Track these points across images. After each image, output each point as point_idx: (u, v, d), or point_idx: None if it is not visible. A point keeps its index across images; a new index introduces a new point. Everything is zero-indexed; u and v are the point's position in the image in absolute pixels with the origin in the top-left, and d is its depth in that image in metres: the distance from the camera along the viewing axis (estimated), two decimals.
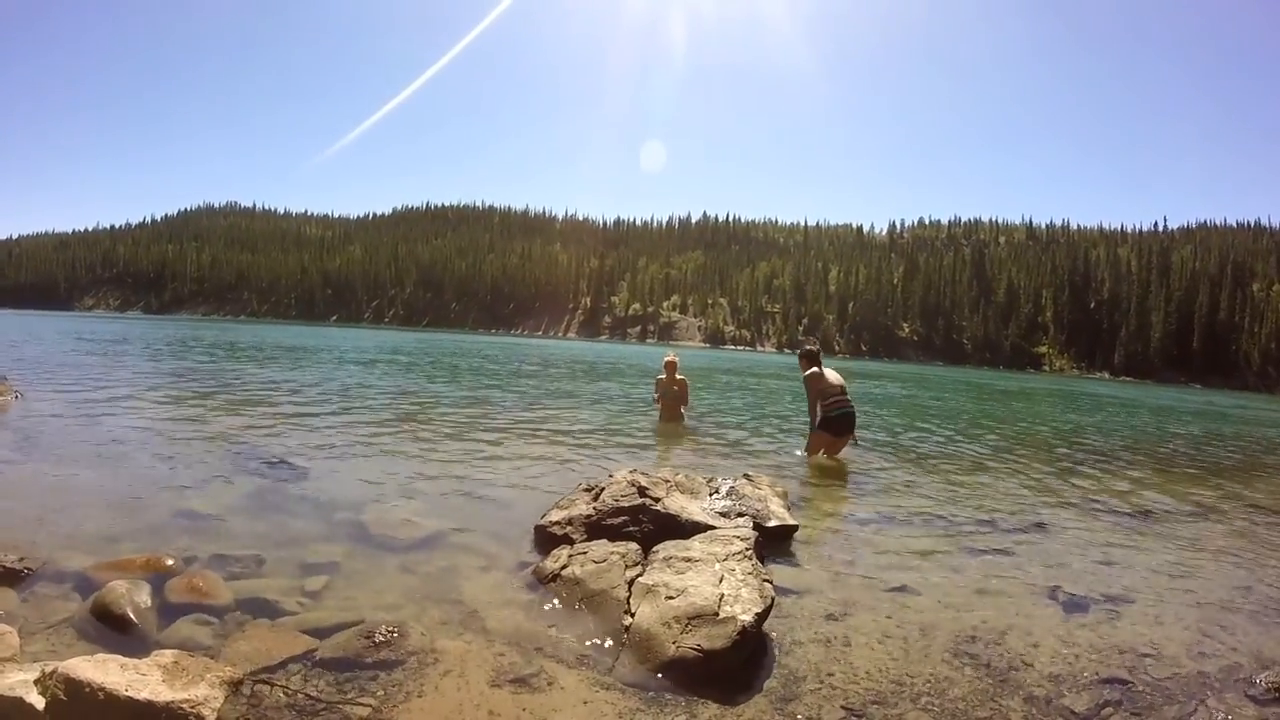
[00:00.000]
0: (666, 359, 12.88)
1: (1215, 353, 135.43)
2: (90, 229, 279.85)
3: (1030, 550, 6.16)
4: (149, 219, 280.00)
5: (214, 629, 3.72)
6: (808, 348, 10.06)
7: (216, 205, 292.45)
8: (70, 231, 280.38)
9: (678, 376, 12.63)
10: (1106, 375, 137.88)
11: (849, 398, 9.80)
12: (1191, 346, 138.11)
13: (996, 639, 4.15)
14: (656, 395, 12.90)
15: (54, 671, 2.79)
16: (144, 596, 3.88)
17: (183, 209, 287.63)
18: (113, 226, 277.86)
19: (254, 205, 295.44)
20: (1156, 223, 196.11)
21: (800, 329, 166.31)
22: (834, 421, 9.63)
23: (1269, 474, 12.74)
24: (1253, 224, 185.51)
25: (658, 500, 5.45)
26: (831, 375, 9.74)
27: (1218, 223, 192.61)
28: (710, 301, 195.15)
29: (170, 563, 4.43)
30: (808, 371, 9.76)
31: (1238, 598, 5.28)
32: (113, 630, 3.63)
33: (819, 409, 9.63)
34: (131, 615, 3.70)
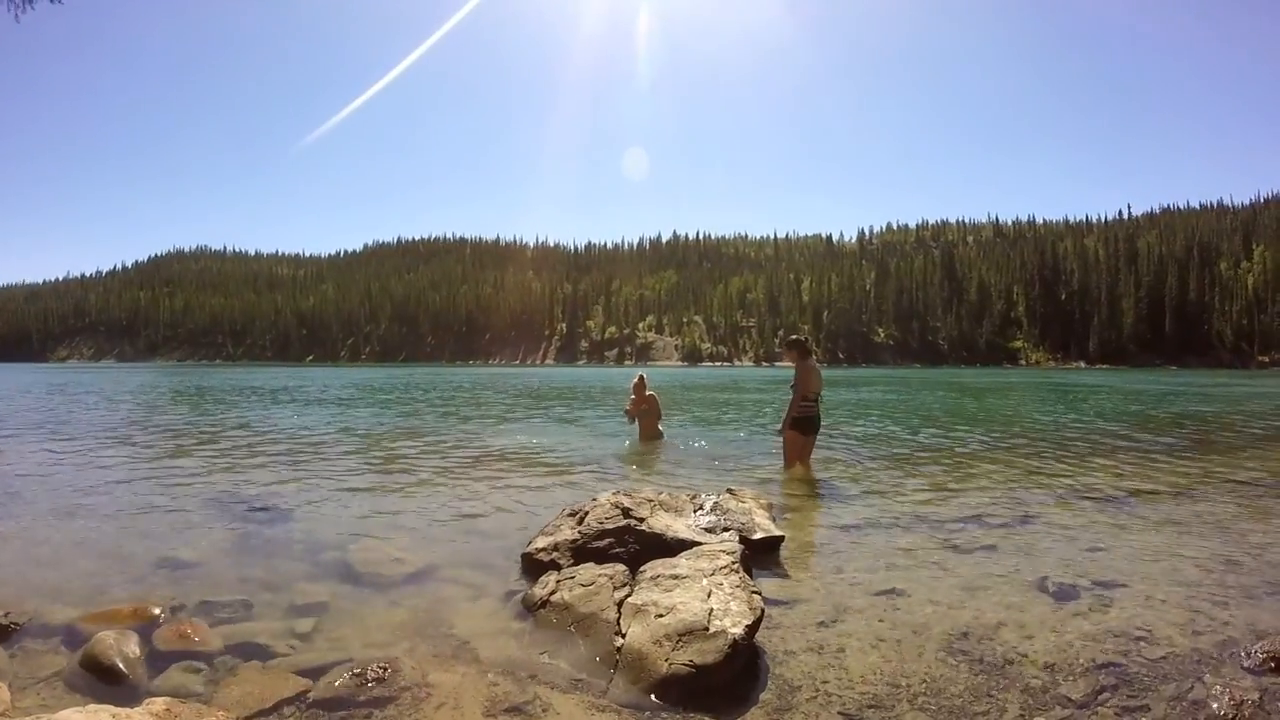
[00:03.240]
0: (634, 380, 12.92)
1: (1188, 333, 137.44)
2: (61, 278, 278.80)
3: (1017, 543, 6.19)
4: (120, 266, 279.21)
5: (205, 675, 3.68)
6: (795, 338, 10.16)
7: (187, 250, 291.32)
8: (41, 282, 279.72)
9: (647, 393, 12.65)
10: (1082, 364, 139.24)
11: (817, 403, 9.95)
12: (1164, 329, 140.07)
13: (989, 634, 4.16)
14: (630, 415, 12.89)
15: None
16: (133, 646, 3.84)
17: (153, 255, 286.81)
18: (83, 275, 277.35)
19: (224, 248, 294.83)
20: (1121, 211, 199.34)
21: (777, 341, 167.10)
22: (801, 422, 9.81)
23: (1247, 448, 12.89)
24: (1216, 204, 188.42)
25: (642, 520, 5.45)
26: (816, 376, 9.84)
27: (1181, 206, 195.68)
28: (685, 320, 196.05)
29: (157, 611, 4.39)
30: (800, 363, 9.83)
31: (1227, 572, 5.33)
32: (103, 681, 3.59)
33: (794, 408, 9.77)
34: (121, 665, 3.66)
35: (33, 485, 8.85)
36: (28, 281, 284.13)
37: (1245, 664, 3.75)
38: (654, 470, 10.43)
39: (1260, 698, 3.38)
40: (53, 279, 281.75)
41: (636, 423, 12.88)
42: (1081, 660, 3.81)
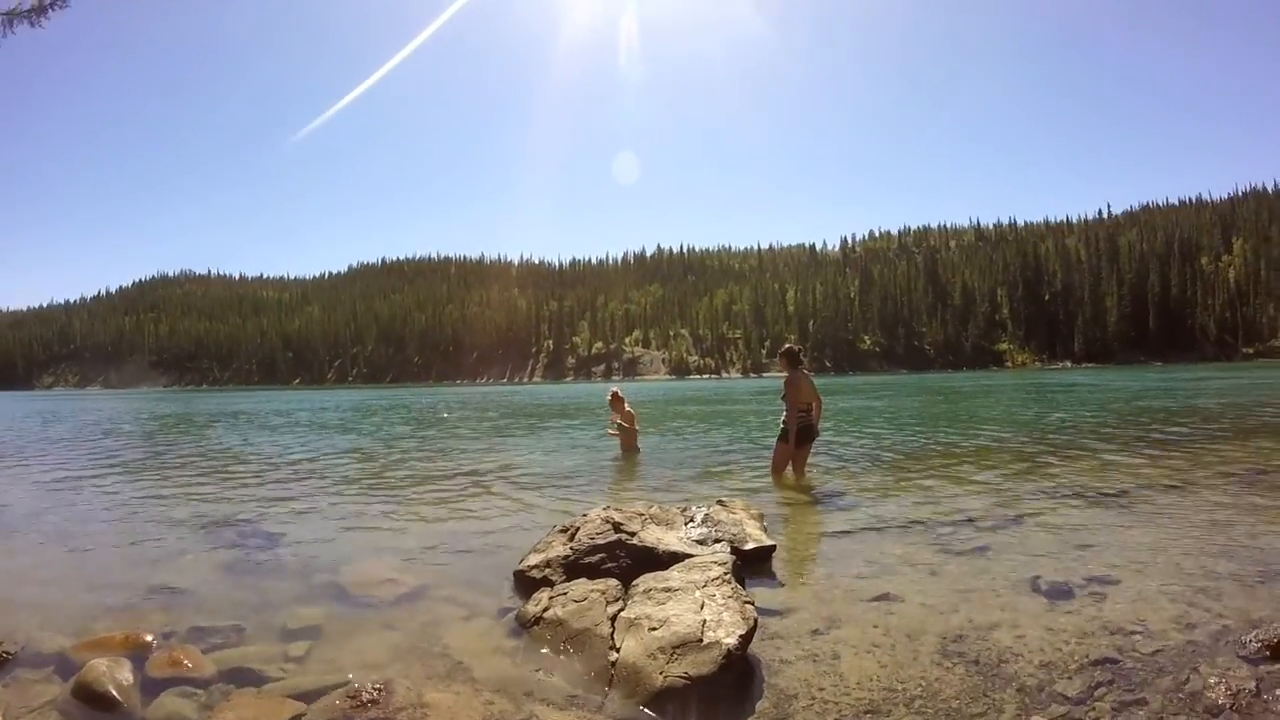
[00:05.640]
0: (608, 397, 12.99)
1: (1172, 329, 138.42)
2: (45, 305, 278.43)
3: (1009, 543, 6.21)
4: (104, 292, 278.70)
5: (199, 701, 3.66)
6: (788, 347, 10.10)
7: (171, 274, 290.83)
8: (25, 309, 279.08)
9: (626, 409, 12.68)
10: (1068, 364, 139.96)
11: (811, 413, 9.84)
12: (1148, 326, 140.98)
13: (983, 635, 4.17)
14: (613, 428, 12.94)
15: None
16: (125, 674, 3.82)
17: (137, 280, 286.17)
18: (67, 302, 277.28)
19: (209, 271, 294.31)
20: (1101, 210, 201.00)
21: (764, 352, 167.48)
22: (795, 433, 9.69)
23: (1232, 440, 12.98)
24: (1194, 199, 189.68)
25: (633, 534, 5.44)
26: (806, 386, 9.72)
27: (1160, 202, 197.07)
28: (672, 333, 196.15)
29: (149, 638, 4.36)
30: (788, 374, 9.76)
31: (1219, 562, 5.37)
32: (96, 709, 3.57)
33: (793, 419, 9.69)
34: (114, 693, 3.64)
35: (20, 513, 8.80)
36: (11, 308, 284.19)
37: (1241, 653, 3.77)
38: (644, 484, 10.42)
39: (1257, 686, 3.40)
40: (37, 305, 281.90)
41: (613, 434, 12.96)
42: (1076, 657, 3.82)
